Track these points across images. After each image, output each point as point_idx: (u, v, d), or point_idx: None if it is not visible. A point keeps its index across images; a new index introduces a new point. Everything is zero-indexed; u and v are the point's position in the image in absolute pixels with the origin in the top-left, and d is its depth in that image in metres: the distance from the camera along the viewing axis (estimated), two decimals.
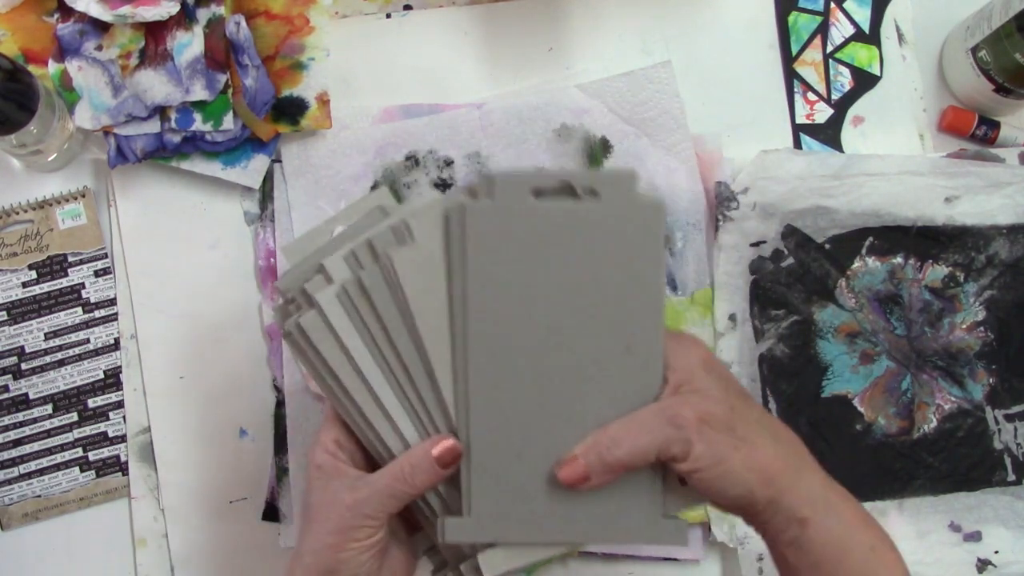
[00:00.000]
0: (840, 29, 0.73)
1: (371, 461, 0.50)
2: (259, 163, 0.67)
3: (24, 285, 0.66)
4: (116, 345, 0.66)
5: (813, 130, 0.72)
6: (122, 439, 0.65)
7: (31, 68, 0.63)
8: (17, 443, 0.65)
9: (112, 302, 0.66)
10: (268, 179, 0.68)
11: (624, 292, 0.47)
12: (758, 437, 0.45)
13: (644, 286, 0.47)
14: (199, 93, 0.63)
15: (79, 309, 0.66)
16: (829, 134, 0.72)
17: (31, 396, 0.65)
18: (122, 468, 0.65)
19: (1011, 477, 0.68)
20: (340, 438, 0.49)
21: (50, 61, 0.65)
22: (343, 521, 0.46)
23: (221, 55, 0.64)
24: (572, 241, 0.46)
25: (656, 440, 0.44)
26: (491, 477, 0.47)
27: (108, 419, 0.65)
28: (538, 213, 0.46)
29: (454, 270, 0.47)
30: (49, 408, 0.65)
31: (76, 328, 0.66)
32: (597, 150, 0.69)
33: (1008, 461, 0.68)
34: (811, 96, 0.72)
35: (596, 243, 0.46)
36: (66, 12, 0.65)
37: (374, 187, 0.67)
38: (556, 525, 0.47)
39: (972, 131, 0.72)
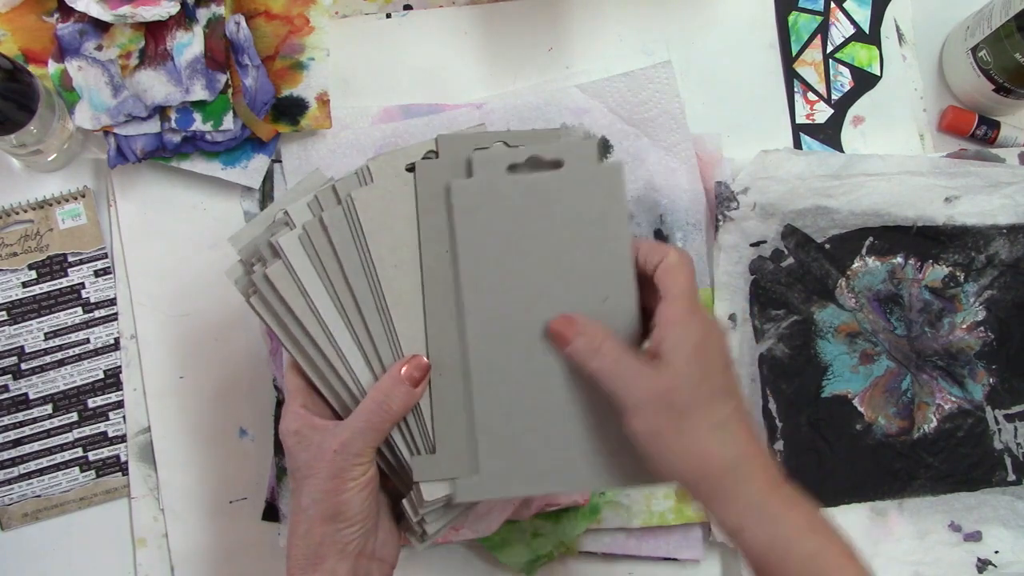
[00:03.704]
0: (840, 29, 0.73)
1: (340, 417, 0.52)
2: (259, 163, 0.67)
3: (24, 285, 0.66)
4: (116, 345, 0.66)
5: (813, 130, 0.72)
6: (122, 439, 0.65)
7: (31, 68, 0.63)
8: (17, 443, 0.65)
9: (112, 302, 0.66)
10: (268, 179, 0.68)
11: (596, 248, 0.51)
12: (708, 435, 0.46)
13: (613, 239, 0.51)
14: (199, 93, 0.63)
15: (79, 309, 0.66)
16: (829, 134, 0.72)
17: (31, 396, 0.65)
18: (122, 468, 0.65)
19: (1011, 477, 0.68)
20: (307, 403, 0.52)
21: (50, 61, 0.65)
22: (335, 466, 0.49)
23: (221, 55, 0.64)
24: (545, 205, 0.52)
25: (612, 387, 0.47)
26: (495, 438, 0.51)
27: (108, 419, 0.66)
28: (512, 185, 0.52)
29: (440, 238, 0.52)
30: (49, 408, 0.65)
31: (76, 328, 0.66)
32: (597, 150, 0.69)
33: (1008, 461, 0.68)
34: (811, 96, 0.72)
35: (565, 204, 0.51)
36: (66, 12, 0.65)
37: None
38: (553, 477, 0.51)
39: (972, 131, 0.72)
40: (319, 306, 0.51)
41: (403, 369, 0.50)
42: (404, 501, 0.53)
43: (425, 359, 0.51)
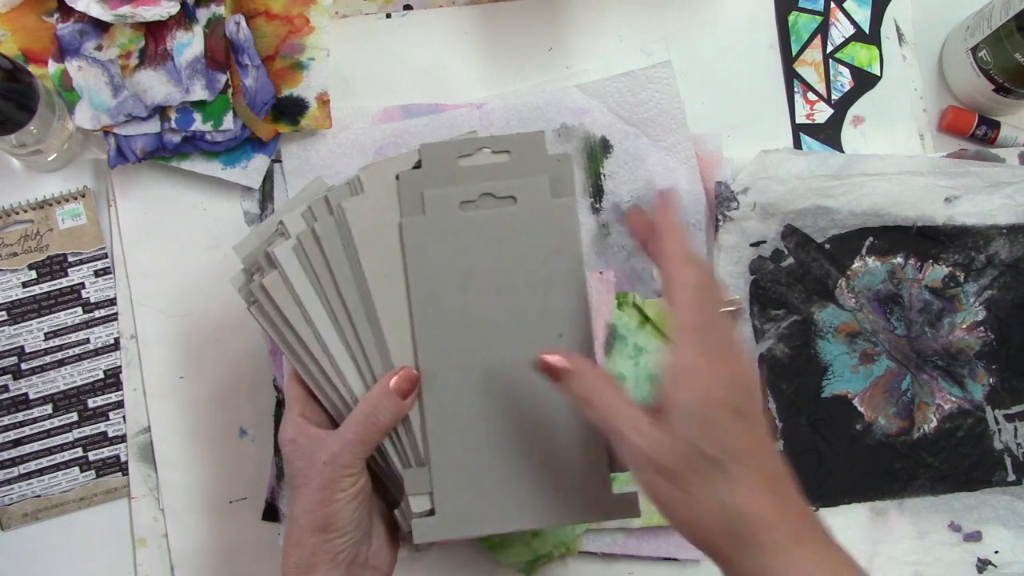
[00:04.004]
0: (840, 29, 0.73)
1: (337, 425, 0.52)
2: (259, 163, 0.67)
3: (24, 285, 0.66)
4: (116, 345, 0.66)
5: (813, 130, 0.72)
6: (122, 439, 0.65)
7: (31, 68, 0.63)
8: (17, 443, 0.65)
9: (112, 302, 0.66)
10: (268, 179, 0.68)
11: (550, 284, 0.51)
12: (715, 507, 0.42)
13: (567, 275, 0.52)
14: (199, 93, 0.63)
15: (79, 309, 0.66)
16: (829, 134, 0.72)
17: (31, 396, 0.65)
18: (122, 468, 0.65)
19: (1011, 477, 0.68)
20: (305, 411, 0.52)
21: (50, 61, 0.65)
22: (324, 477, 0.49)
23: (221, 55, 0.64)
24: (498, 242, 0.52)
25: (608, 440, 0.45)
26: (452, 477, 0.50)
27: (108, 419, 0.66)
28: (465, 222, 0.52)
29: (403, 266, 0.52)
30: (49, 408, 0.65)
31: (76, 328, 0.66)
32: (597, 150, 0.69)
33: (1008, 461, 0.68)
34: (811, 96, 0.72)
35: (519, 241, 0.52)
36: (66, 12, 0.65)
37: None
38: (515, 514, 0.51)
39: (972, 131, 0.72)
40: (313, 316, 0.52)
41: (392, 381, 0.50)
42: (396, 511, 0.53)
43: (414, 371, 0.50)
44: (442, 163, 0.53)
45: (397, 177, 0.52)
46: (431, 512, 0.51)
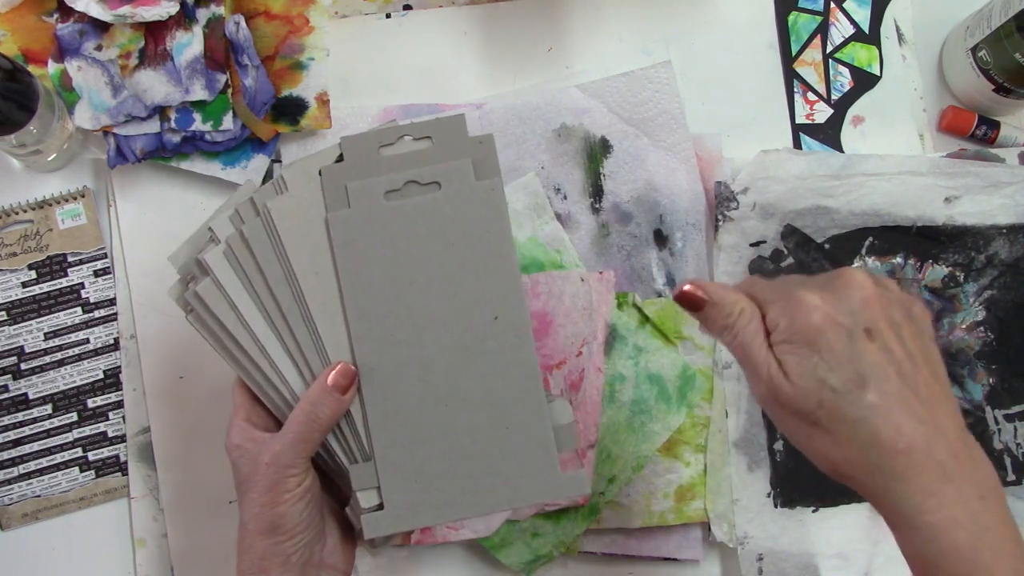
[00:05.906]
0: (840, 29, 0.73)
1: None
2: (259, 163, 0.67)
3: (24, 285, 0.66)
4: (116, 345, 0.66)
5: (813, 130, 0.72)
6: (122, 439, 0.65)
7: (31, 68, 0.63)
8: (17, 443, 0.65)
9: (112, 302, 0.66)
10: (268, 179, 0.68)
11: (481, 267, 0.51)
12: (847, 442, 0.41)
13: (497, 257, 0.51)
14: (199, 93, 0.63)
15: (79, 309, 0.66)
16: (829, 134, 0.72)
17: (31, 396, 0.65)
18: (122, 468, 0.65)
19: (1011, 477, 0.68)
20: (251, 416, 0.52)
21: (50, 61, 0.65)
22: (268, 479, 0.49)
23: (221, 55, 0.64)
24: (426, 229, 0.52)
25: (746, 375, 0.44)
26: (397, 469, 0.50)
27: (108, 419, 0.66)
28: (391, 212, 0.52)
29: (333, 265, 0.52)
30: (49, 408, 0.65)
31: (76, 328, 0.66)
32: (597, 150, 0.69)
33: (1008, 461, 0.68)
34: (811, 96, 0.72)
35: (446, 226, 0.52)
36: (66, 12, 0.65)
37: None
38: (464, 502, 0.50)
39: (972, 131, 0.72)
40: (248, 318, 0.51)
41: (330, 377, 0.49)
42: (347, 508, 0.53)
43: (351, 366, 0.50)
44: (364, 154, 0.52)
45: (320, 172, 0.52)
46: (380, 507, 0.50)
